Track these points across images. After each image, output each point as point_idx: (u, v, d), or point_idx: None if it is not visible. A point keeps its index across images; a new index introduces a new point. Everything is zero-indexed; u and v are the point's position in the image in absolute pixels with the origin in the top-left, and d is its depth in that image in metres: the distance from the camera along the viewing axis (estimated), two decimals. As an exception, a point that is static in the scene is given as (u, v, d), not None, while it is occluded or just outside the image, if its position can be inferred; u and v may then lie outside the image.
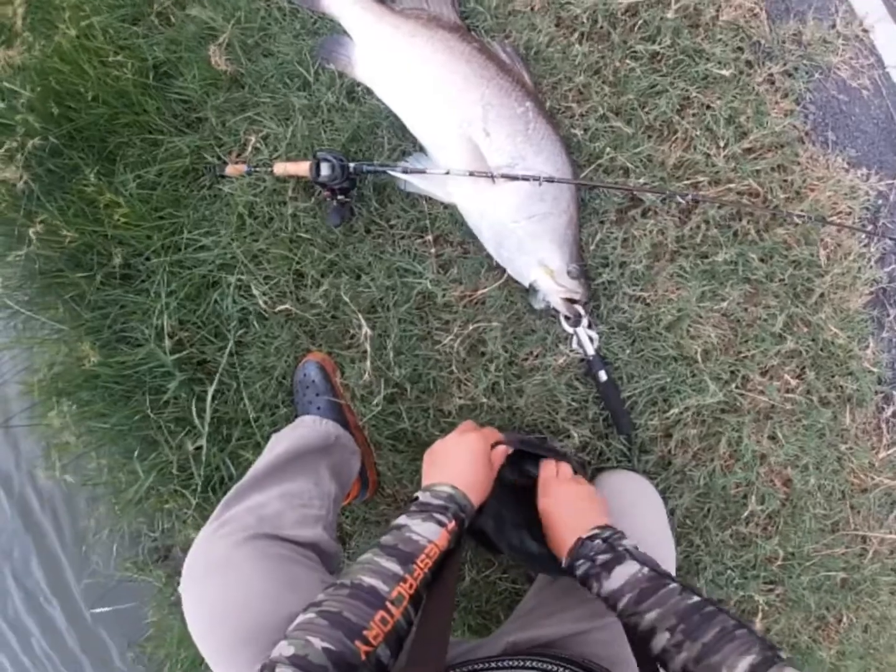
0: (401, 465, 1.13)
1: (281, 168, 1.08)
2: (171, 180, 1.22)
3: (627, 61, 1.07)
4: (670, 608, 0.61)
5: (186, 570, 0.71)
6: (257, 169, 1.11)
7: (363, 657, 0.53)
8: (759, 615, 1.18)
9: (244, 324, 1.18)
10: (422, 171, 1.00)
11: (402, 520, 0.67)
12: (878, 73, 1.27)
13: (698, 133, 1.07)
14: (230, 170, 1.15)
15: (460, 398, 1.07)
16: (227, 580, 0.68)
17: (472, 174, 0.97)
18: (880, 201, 1.22)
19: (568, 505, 0.77)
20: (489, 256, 1.05)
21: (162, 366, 1.20)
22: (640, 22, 1.08)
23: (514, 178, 0.96)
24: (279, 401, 1.19)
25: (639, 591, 0.63)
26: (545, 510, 0.79)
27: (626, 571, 0.65)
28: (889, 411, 1.22)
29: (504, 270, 1.05)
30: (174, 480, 1.25)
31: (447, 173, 0.99)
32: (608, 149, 1.04)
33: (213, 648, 0.66)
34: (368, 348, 1.07)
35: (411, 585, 0.60)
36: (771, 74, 1.15)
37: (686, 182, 1.07)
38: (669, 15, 1.09)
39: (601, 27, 1.08)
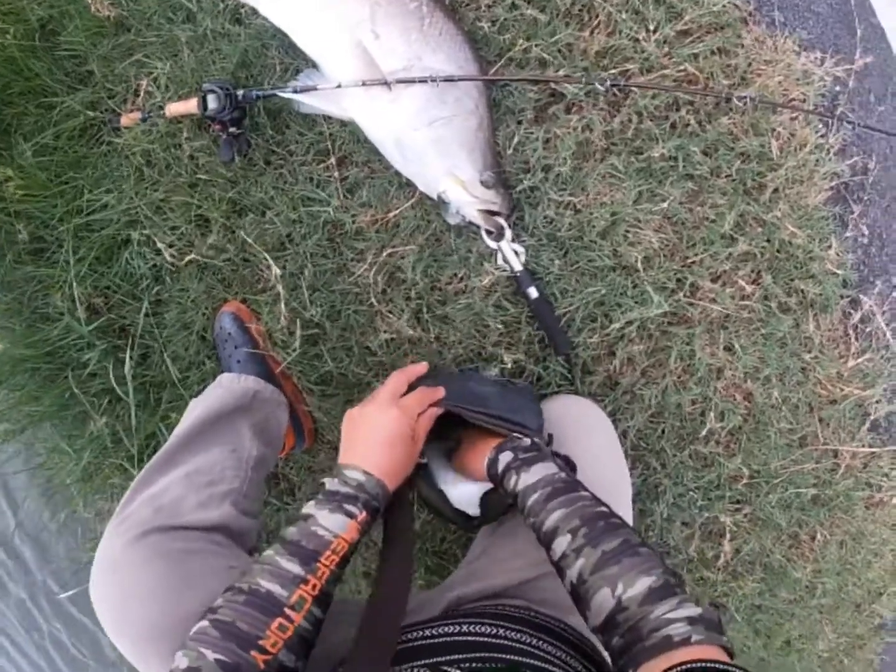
0: (334, 410, 1.07)
1: (171, 108, 0.99)
2: (69, 142, 1.14)
3: (537, -63, 0.95)
4: (576, 511, 0.59)
5: (93, 567, 0.70)
6: (151, 114, 1.02)
7: (261, 666, 0.52)
8: (728, 536, 1.12)
9: (158, 281, 1.12)
10: (312, 88, 0.90)
11: (309, 508, 0.63)
12: (833, -61, 1.14)
13: (624, 17, 0.95)
14: (125, 120, 1.07)
15: (385, 332, 0.99)
16: (122, 580, 0.66)
17: (364, 84, 0.88)
18: (837, 87, 1.10)
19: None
20: (398, 174, 0.96)
21: (81, 337, 1.14)
22: None
23: (411, 81, 0.86)
24: (204, 356, 1.12)
25: (551, 489, 0.62)
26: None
27: (545, 469, 0.65)
28: (856, 317, 1.13)
29: (415, 187, 0.95)
30: (111, 454, 1.21)
31: (338, 86, 0.89)
32: (520, 40, 0.93)
33: (122, 646, 0.65)
34: (281, 289, 0.99)
35: (314, 586, 0.57)
36: (707, -57, 1.02)
37: (613, 71, 0.95)
38: None
39: None
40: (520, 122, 0.95)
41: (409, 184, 0.96)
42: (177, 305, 1.11)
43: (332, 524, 0.61)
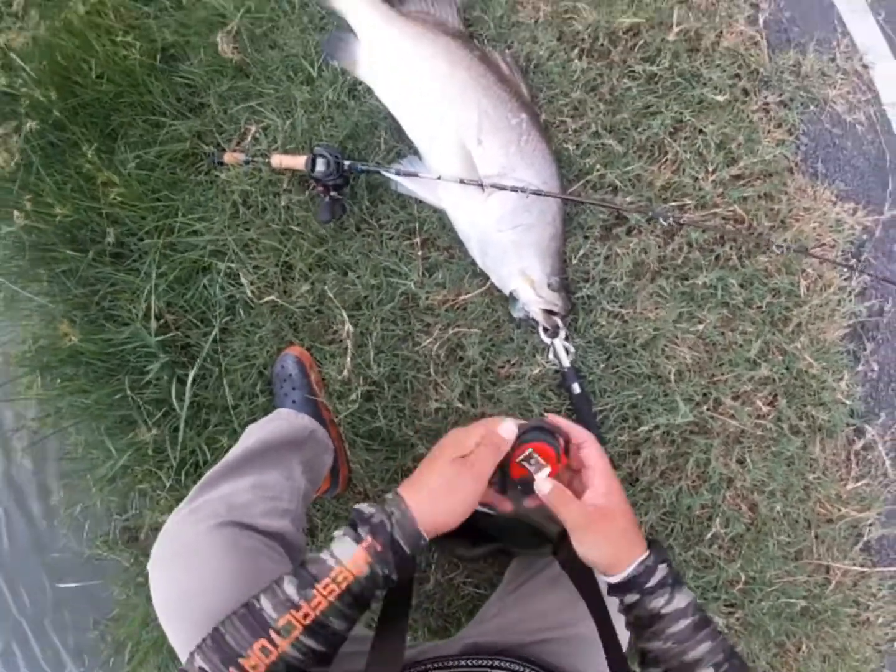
0: (373, 463, 1.14)
1: (278, 160, 1.09)
2: (170, 163, 1.23)
3: (625, 80, 1.08)
4: (720, 644, 0.58)
5: (155, 551, 0.72)
6: (255, 159, 1.12)
7: None
8: (717, 636, 1.19)
9: (230, 311, 1.19)
10: (414, 175, 1.02)
11: (338, 531, 0.59)
12: (874, 109, 1.28)
13: (688, 156, 1.09)
14: (228, 157, 1.15)
15: (436, 401, 1.08)
16: (192, 565, 0.68)
17: (462, 181, 0.99)
18: (865, 236, 1.23)
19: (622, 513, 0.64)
20: (474, 263, 1.06)
21: (146, 346, 1.21)
22: (640, 42, 1.10)
23: (503, 188, 0.98)
24: (258, 390, 1.20)
25: (699, 617, 0.59)
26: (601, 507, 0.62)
27: (688, 596, 0.61)
28: (859, 444, 1.23)
29: (487, 278, 1.06)
30: (150, 461, 1.26)
31: (438, 178, 1.00)
32: (598, 166, 1.05)
33: (174, 628, 0.67)
34: (350, 345, 1.08)
35: (306, 615, 0.53)
36: (766, 103, 1.16)
37: (672, 203, 1.08)
38: (670, 37, 1.10)
39: (602, 45, 1.09)
40: (586, 237, 1.07)
41: (482, 274, 1.06)
42: (243, 338, 1.18)
43: (340, 551, 0.56)
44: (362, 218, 1.10)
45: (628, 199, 1.07)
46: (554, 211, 1.02)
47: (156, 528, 1.29)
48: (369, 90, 1.12)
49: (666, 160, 1.09)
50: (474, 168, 1.01)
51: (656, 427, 1.09)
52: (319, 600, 0.54)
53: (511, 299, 1.01)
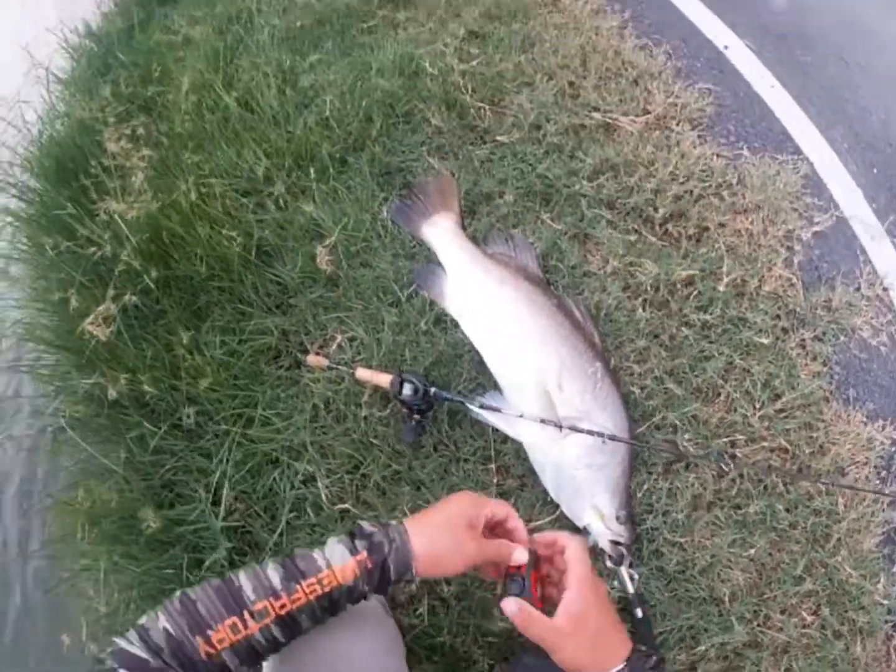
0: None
1: (363, 374, 1.18)
2: (254, 354, 1.32)
3: (682, 328, 1.23)
4: None
5: None
6: (339, 367, 1.22)
7: (203, 655, 0.52)
8: None
9: (295, 507, 1.22)
10: (497, 410, 1.14)
11: (331, 536, 0.62)
12: (894, 328, 1.44)
13: (738, 396, 1.22)
14: (311, 360, 1.24)
15: (501, 621, 1.17)
16: None
17: (542, 421, 1.11)
18: (894, 449, 1.36)
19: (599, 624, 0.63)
20: (545, 493, 1.18)
21: (208, 528, 1.22)
22: (694, 292, 1.25)
23: (581, 431, 1.10)
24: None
25: None
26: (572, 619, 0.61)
27: None
28: None
29: (557, 506, 1.17)
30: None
31: (521, 416, 1.12)
32: (661, 408, 1.18)
33: None
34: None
35: (283, 606, 0.55)
36: (803, 340, 1.31)
37: (725, 440, 1.21)
38: (721, 287, 1.26)
39: (662, 295, 1.25)
40: (650, 473, 1.19)
41: (553, 503, 1.17)
42: (307, 536, 1.22)
43: (332, 554, 0.59)
44: (440, 440, 1.21)
45: (686, 436, 1.20)
46: (623, 451, 1.15)
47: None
48: (455, 322, 1.26)
49: (719, 400, 1.22)
50: (554, 409, 1.14)
51: (712, 646, 1.17)
52: (300, 596, 0.55)
53: (584, 532, 1.12)
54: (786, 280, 1.33)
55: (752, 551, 1.20)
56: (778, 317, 1.30)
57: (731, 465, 1.14)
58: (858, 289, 1.43)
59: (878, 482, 1.33)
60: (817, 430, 1.28)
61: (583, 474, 1.13)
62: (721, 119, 1.59)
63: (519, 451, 1.20)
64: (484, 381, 1.23)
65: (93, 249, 1.42)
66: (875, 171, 1.64)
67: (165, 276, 1.44)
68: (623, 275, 1.25)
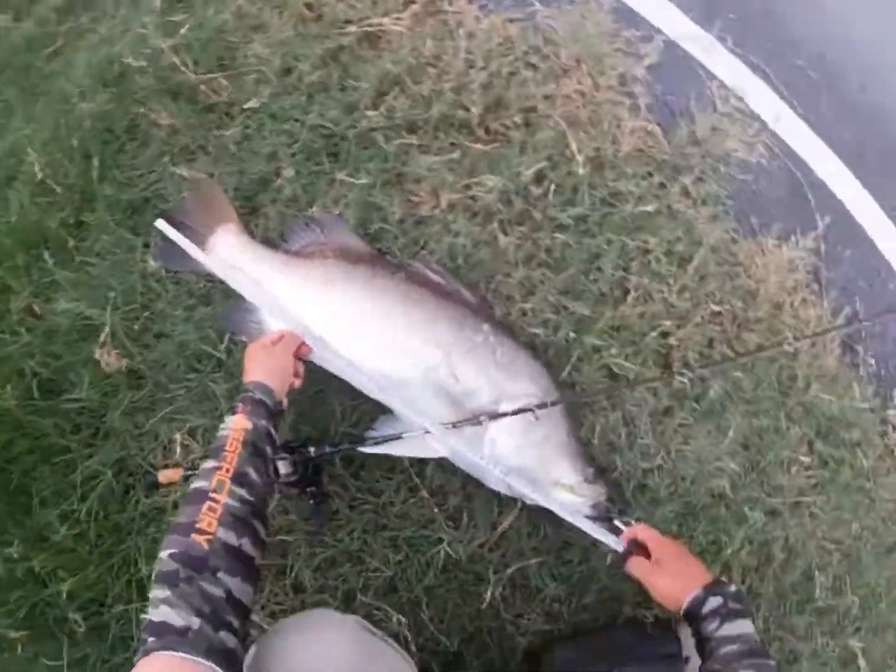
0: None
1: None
2: (102, 506, 1.03)
3: (557, 235, 1.01)
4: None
5: None
6: (194, 471, 0.94)
7: (206, 546, 0.60)
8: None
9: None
10: (397, 437, 0.89)
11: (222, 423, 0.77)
12: (765, 136, 1.30)
13: (647, 281, 1.04)
14: (163, 478, 0.96)
15: (522, 636, 0.97)
16: None
17: (454, 425, 0.88)
18: (814, 257, 1.25)
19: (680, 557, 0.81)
20: (497, 492, 0.95)
21: None
22: (552, 187, 1.03)
23: (502, 416, 0.88)
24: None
25: (748, 647, 0.69)
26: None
27: (746, 626, 0.71)
28: (893, 437, 1.26)
29: (517, 501, 0.96)
30: None
31: (427, 432, 0.88)
32: (573, 337, 0.97)
33: None
34: (408, 633, 0.94)
35: (227, 470, 0.68)
36: (685, 188, 1.14)
37: (653, 334, 1.03)
38: (579, 169, 1.04)
39: (517, 207, 1.01)
40: (595, 413, 0.99)
41: (510, 499, 0.96)
42: None
43: (226, 423, 0.75)
44: (352, 496, 0.97)
45: (613, 351, 1.00)
46: (559, 409, 0.93)
47: None
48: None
49: (630, 297, 1.03)
50: (462, 406, 0.90)
51: (738, 547, 1.03)
52: (231, 456, 0.70)
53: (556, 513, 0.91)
54: (641, 130, 1.14)
55: (731, 433, 1.06)
56: (650, 174, 1.11)
57: (691, 375, 0.97)
58: (715, 109, 1.26)
59: (813, 297, 1.22)
60: (739, 277, 1.14)
61: (528, 456, 0.91)
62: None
63: (443, 463, 0.96)
64: (366, 407, 0.96)
65: None
66: (675, -24, 1.45)
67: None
68: (463, 203, 1.00)
